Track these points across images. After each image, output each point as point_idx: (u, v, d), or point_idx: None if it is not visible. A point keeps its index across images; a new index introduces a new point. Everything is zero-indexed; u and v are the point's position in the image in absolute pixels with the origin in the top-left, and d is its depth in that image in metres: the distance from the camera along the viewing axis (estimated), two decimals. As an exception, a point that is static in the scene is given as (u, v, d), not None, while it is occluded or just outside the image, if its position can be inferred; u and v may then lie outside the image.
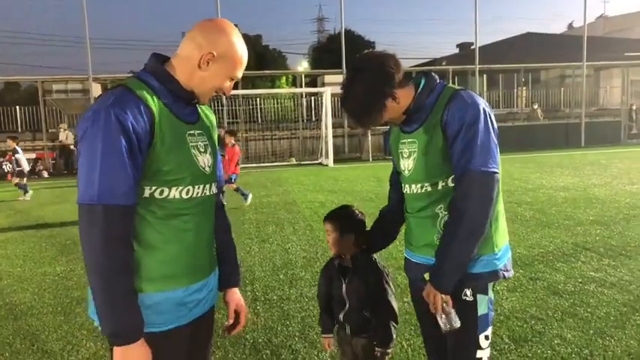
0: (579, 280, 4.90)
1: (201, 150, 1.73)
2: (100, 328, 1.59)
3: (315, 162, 20.38)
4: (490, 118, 1.94)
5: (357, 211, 2.57)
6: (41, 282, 5.69)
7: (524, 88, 29.31)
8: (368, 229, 2.53)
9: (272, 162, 21.61)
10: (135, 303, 1.55)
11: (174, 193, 1.63)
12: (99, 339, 4.06)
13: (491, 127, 1.92)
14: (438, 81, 2.06)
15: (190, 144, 1.68)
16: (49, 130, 22.24)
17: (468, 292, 1.99)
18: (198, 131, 1.74)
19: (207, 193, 1.76)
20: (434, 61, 32.31)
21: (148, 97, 1.59)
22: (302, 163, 20.07)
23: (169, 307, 1.65)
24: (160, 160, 1.59)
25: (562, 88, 29.40)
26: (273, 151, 23.57)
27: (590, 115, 24.96)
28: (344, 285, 2.50)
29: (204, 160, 1.73)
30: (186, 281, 1.70)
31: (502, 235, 2.04)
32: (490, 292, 2.04)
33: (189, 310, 1.71)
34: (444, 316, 1.96)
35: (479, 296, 1.99)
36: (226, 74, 1.70)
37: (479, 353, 2.01)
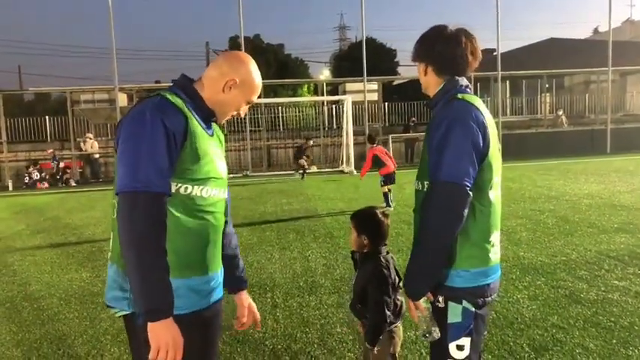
0: (602, 289, 4.83)
1: (218, 159, 1.94)
2: (117, 313, 1.82)
3: (337, 169, 20.40)
4: (473, 130, 1.92)
5: (378, 214, 2.77)
6: (68, 288, 5.84)
7: (547, 94, 28.95)
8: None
9: (293, 170, 21.70)
10: (169, 282, 1.70)
11: (197, 191, 1.82)
12: (123, 344, 4.15)
13: (469, 140, 1.91)
14: (460, 85, 2.08)
15: (211, 152, 1.89)
16: (77, 140, 22.73)
17: (441, 298, 2.01)
18: (215, 143, 1.96)
19: (221, 197, 1.95)
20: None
21: (181, 106, 1.82)
22: (323, 170, 20.10)
23: (185, 292, 1.80)
24: (187, 161, 1.78)
25: (587, 94, 28.95)
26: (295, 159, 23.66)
27: (616, 121, 24.49)
28: (354, 277, 2.77)
29: (222, 167, 1.95)
30: (199, 272, 1.87)
31: (470, 257, 1.98)
32: (467, 302, 1.99)
33: (201, 298, 1.88)
34: (421, 324, 2.02)
35: (450, 304, 1.99)
36: (244, 98, 1.96)
37: None
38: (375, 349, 2.64)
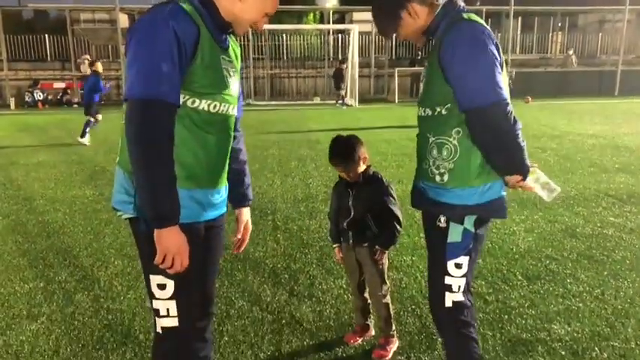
0: (598, 225, 4.91)
1: (231, 74, 1.89)
2: (123, 216, 1.84)
3: (340, 102, 20.22)
4: (490, 47, 1.90)
5: (350, 138, 2.78)
6: (72, 204, 5.93)
7: (559, 32, 28.16)
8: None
9: (297, 100, 21.49)
10: (176, 190, 1.71)
11: (204, 105, 1.79)
12: (126, 257, 4.27)
13: (492, 56, 1.89)
14: (459, 6, 2.03)
15: (223, 66, 1.84)
16: (78, 60, 22.33)
17: (442, 218, 2.05)
18: (228, 57, 1.89)
19: (230, 113, 1.92)
20: (467, 1, 31.07)
21: (195, 16, 1.76)
22: (326, 102, 19.91)
23: (188, 202, 1.80)
24: (196, 74, 1.75)
25: (600, 34, 28.16)
26: (298, 90, 23.41)
27: (627, 62, 23.99)
28: (351, 196, 2.77)
29: (233, 83, 1.90)
30: (204, 184, 1.87)
31: (484, 172, 2.00)
32: (468, 223, 2.03)
33: (204, 210, 1.89)
34: (538, 188, 2.08)
35: (451, 224, 2.03)
36: (262, 9, 1.87)
37: (447, 279, 2.07)
38: (384, 259, 2.81)
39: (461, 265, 2.06)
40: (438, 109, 2.00)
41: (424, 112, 2.09)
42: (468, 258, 2.07)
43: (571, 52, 24.63)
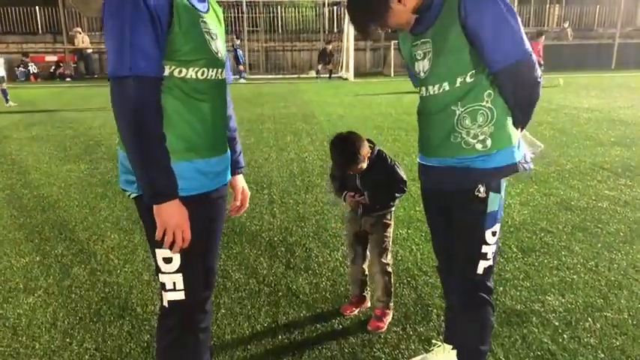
0: (593, 198, 4.93)
1: (213, 37, 1.82)
2: (131, 195, 1.82)
3: (335, 75, 20.04)
4: (508, 1, 1.89)
5: (349, 139, 2.67)
6: (67, 178, 5.90)
7: (556, 5, 27.87)
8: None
9: (292, 73, 21.30)
10: (170, 165, 1.69)
11: (192, 73, 1.74)
12: (122, 231, 4.27)
13: (513, 8, 1.88)
14: None
15: (203, 29, 1.77)
16: (70, 33, 21.97)
17: (482, 188, 2.00)
18: (209, 19, 1.83)
19: (220, 77, 1.87)
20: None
21: None
22: (322, 75, 19.74)
23: (192, 174, 1.78)
24: (177, 42, 1.69)
25: (598, 6, 27.89)
26: (293, 63, 23.17)
27: (624, 35, 23.82)
28: (358, 179, 2.77)
29: (217, 46, 1.83)
30: (205, 154, 1.84)
31: (514, 132, 2.01)
32: (503, 190, 2.05)
33: (209, 180, 1.86)
34: (522, 144, 2.10)
35: (491, 194, 2.00)
36: None
37: (484, 248, 2.06)
38: (389, 229, 2.87)
39: (496, 232, 2.07)
40: (460, 80, 1.94)
41: (439, 88, 2.00)
42: (499, 225, 2.09)
43: (567, 24, 24.45)
